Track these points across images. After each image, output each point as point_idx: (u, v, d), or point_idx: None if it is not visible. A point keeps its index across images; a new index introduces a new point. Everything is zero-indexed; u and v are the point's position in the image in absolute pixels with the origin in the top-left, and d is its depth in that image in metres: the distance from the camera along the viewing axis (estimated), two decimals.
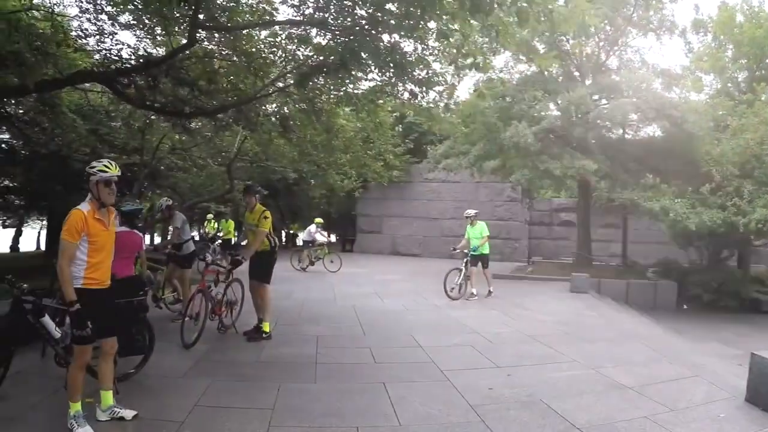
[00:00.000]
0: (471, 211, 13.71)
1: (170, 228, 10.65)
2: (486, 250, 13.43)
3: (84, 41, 10.46)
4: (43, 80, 9.26)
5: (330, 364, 7.00)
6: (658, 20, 19.15)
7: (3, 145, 18.67)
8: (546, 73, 20.23)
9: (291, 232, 35.69)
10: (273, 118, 12.30)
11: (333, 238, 44.15)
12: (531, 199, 29.49)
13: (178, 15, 8.88)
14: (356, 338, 8.72)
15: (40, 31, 9.42)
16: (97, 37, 10.60)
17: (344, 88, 10.29)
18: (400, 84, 9.15)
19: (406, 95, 9.44)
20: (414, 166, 29.57)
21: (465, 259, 13.10)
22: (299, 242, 26.82)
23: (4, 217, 31.69)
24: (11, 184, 22.95)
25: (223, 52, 10.93)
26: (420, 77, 8.54)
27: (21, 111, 16.12)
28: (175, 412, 5.12)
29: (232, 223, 21.21)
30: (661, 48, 51.60)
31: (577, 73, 20.54)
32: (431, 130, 20.63)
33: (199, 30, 9.01)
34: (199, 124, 15.99)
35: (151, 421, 4.93)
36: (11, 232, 34.67)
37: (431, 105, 10.64)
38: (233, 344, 8.12)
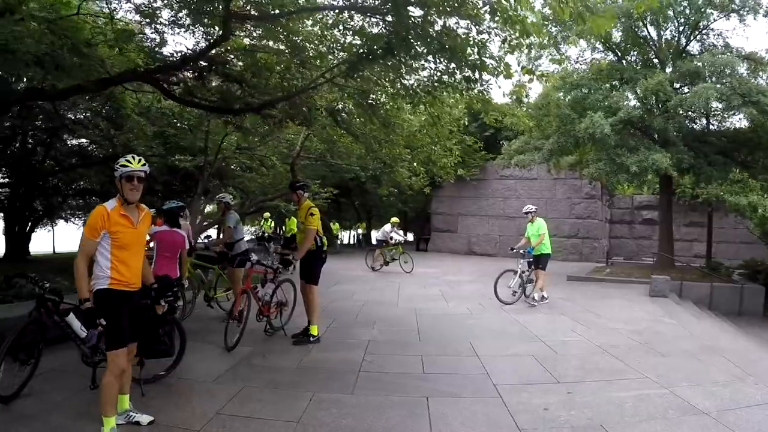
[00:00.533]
0: (530, 207, 12.71)
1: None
2: (545, 250, 12.27)
3: (128, 42, 10.21)
4: (90, 81, 9.22)
5: (373, 373, 6.54)
6: (740, 0, 17.65)
7: (77, 148, 19.19)
8: (624, 61, 19.13)
9: (360, 231, 35.26)
10: (324, 112, 11.80)
11: (410, 237, 44.16)
12: (611, 196, 28.27)
13: (211, 9, 8.61)
14: (409, 345, 8.19)
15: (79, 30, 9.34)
16: (140, 36, 10.52)
17: (397, 78, 9.76)
18: (456, 70, 8.47)
19: (463, 83, 8.82)
20: (489, 163, 28.55)
21: (521, 260, 12.17)
22: (373, 241, 26.37)
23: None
24: (88, 186, 23.77)
25: (265, 44, 10.62)
26: (474, 61, 7.84)
27: (83, 115, 16.40)
28: (193, 420, 4.86)
29: (294, 221, 20.88)
30: (746, 30, 48.35)
31: (656, 60, 19.18)
32: (503, 125, 19.92)
33: (234, 21, 8.68)
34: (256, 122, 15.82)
35: (167, 428, 4.68)
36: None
37: (486, 93, 9.91)
38: (278, 348, 7.82)
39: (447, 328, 9.52)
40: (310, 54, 9.80)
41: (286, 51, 9.88)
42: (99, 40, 9.59)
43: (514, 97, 10.01)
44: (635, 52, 19.33)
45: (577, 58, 20.03)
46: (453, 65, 8.28)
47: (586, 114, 16.46)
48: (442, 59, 8.22)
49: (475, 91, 9.34)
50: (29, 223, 26.65)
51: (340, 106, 12.91)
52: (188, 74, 10.40)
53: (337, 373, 6.54)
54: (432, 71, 9.24)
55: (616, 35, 18.77)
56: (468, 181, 29.29)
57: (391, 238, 19.23)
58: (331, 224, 35.68)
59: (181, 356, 6.12)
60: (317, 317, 8.30)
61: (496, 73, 8.13)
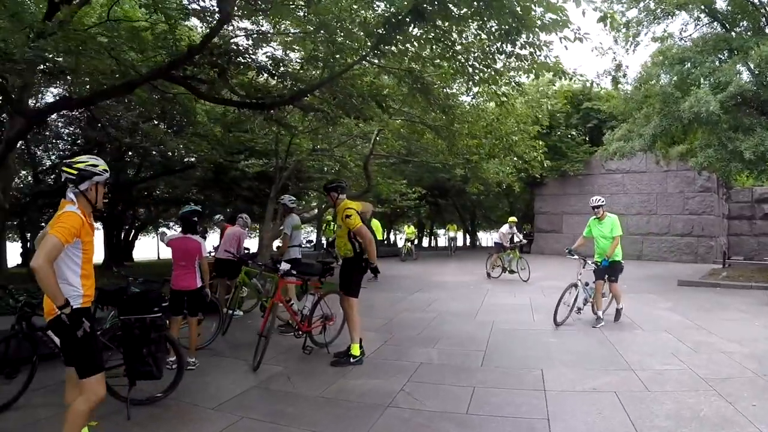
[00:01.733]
0: (598, 199, 10.11)
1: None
2: (618, 256, 9.60)
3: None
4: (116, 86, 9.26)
5: (405, 410, 5.32)
6: None
7: (158, 156, 19.16)
8: (733, 33, 16.50)
9: (451, 234, 33.52)
10: (368, 99, 10.55)
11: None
12: (728, 188, 25.46)
13: None
14: (466, 370, 6.87)
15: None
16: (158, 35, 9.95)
17: (445, 51, 8.43)
18: (516, 36, 6.92)
19: (524, 52, 7.37)
20: (594, 156, 26.45)
21: (582, 270, 9.67)
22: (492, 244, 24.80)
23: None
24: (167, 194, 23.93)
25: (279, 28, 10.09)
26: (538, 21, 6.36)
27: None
28: None
29: (378, 224, 19.67)
30: None
31: None
32: (604, 113, 18.13)
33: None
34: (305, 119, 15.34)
35: None
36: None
37: (554, 62, 8.36)
38: (311, 369, 6.85)
39: (521, 348, 8.06)
40: (335, 31, 8.69)
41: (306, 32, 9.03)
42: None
43: (610, 75, 8.46)
44: (744, 22, 16.63)
45: (680, 33, 17.40)
46: (510, 28, 6.75)
47: (690, 91, 14.21)
48: (491, 21, 6.77)
49: (542, 57, 7.83)
50: (132, 231, 27.51)
51: (386, 91, 11.58)
52: (209, 68, 9.70)
53: (361, 408, 5.40)
54: (484, 40, 7.82)
55: (721, 3, 16.39)
56: (572, 177, 27.49)
57: (511, 239, 17.29)
58: (452, 226, 34.53)
59: (180, 377, 5.59)
60: (357, 334, 7.26)
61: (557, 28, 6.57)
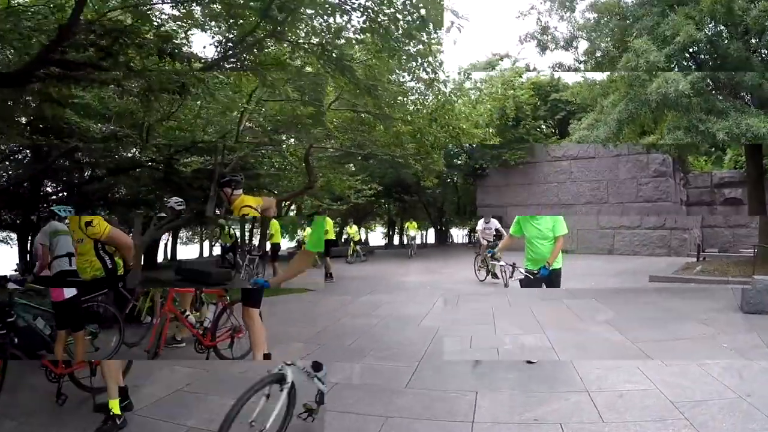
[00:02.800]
0: None
1: None
2: (560, 263, 7.24)
3: None
4: None
5: None
6: None
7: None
8: None
9: (413, 233, 31.60)
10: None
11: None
12: (685, 173, 24.48)
13: None
14: (387, 393, 5.73)
15: None
16: None
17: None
18: None
19: None
20: (538, 144, 25.58)
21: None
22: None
23: None
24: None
25: None
26: None
27: None
28: None
29: (276, 224, 17.73)
30: None
31: None
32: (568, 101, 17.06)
33: None
34: None
35: None
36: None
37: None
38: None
39: (460, 363, 6.81)
40: None
41: None
42: None
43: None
44: None
45: None
46: None
47: (656, 74, 12.70)
48: None
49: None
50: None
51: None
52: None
53: None
54: None
55: None
56: (513, 166, 25.83)
57: (497, 235, 14.67)
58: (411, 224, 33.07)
59: None
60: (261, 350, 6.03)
61: None
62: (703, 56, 13.99)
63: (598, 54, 14.42)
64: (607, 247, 23.56)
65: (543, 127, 26.21)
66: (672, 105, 12.59)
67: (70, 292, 5.50)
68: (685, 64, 13.72)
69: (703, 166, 26.25)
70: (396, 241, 53.61)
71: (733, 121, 12.27)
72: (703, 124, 12.42)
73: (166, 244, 35.30)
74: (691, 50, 13.36)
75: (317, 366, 4.59)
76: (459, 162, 28.43)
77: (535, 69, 29.13)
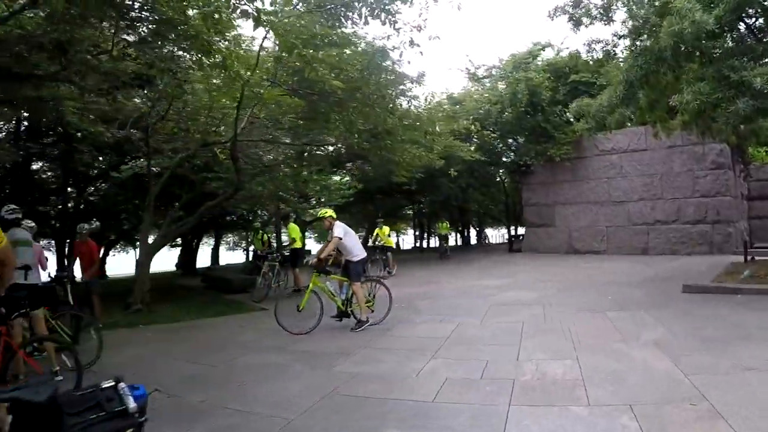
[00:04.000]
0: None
1: None
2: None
3: None
4: None
5: None
6: None
7: None
8: None
9: (441, 232, 29.21)
10: None
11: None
12: (746, 164, 21.91)
13: None
14: None
15: None
16: None
17: None
18: None
19: None
20: (586, 137, 22.46)
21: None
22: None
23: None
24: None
25: None
26: None
27: None
28: None
29: (295, 228, 16.02)
30: None
31: None
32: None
33: None
34: None
35: None
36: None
37: None
38: None
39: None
40: None
41: None
42: None
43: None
44: None
45: None
46: None
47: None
48: None
49: None
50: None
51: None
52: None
53: None
54: None
55: None
56: (560, 162, 24.07)
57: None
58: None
59: None
60: None
61: None
62: (759, 22, 11.30)
63: (638, 24, 11.45)
64: (641, 245, 21.50)
65: (567, 113, 23.63)
66: (689, 44, 9.84)
67: None
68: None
69: (764, 158, 24.23)
70: (425, 243, 51.37)
71: None
72: (736, 72, 9.42)
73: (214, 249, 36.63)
74: (743, 14, 10.61)
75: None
76: (506, 160, 27.05)
77: (567, 49, 26.59)
